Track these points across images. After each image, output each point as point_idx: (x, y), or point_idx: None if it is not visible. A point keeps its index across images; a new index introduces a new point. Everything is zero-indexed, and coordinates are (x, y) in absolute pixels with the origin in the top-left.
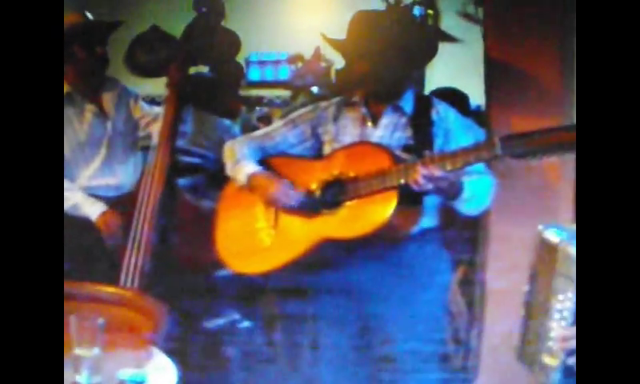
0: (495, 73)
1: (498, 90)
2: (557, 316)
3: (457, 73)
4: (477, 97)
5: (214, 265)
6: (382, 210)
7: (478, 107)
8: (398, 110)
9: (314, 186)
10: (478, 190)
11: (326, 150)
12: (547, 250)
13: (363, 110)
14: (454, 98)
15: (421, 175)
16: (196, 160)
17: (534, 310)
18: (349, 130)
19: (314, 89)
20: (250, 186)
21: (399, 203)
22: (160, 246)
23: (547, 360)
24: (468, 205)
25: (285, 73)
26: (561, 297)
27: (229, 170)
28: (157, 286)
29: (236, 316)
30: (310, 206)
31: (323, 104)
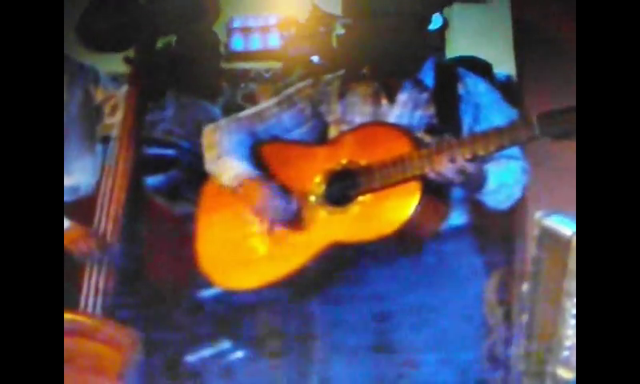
0: (526, 37)
1: (530, 58)
2: (573, 322)
3: (482, 39)
4: (506, 66)
5: (197, 282)
6: (403, 205)
7: (509, 78)
8: (417, 83)
9: (317, 179)
10: (505, 179)
11: (332, 133)
12: (555, 244)
13: (376, 84)
14: (473, 69)
15: (447, 163)
16: (168, 152)
17: (542, 315)
18: (359, 108)
19: (314, 58)
20: (236, 190)
21: (423, 196)
22: (127, 261)
23: (562, 373)
24: (495, 197)
25: (275, 40)
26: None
27: (209, 163)
28: (125, 311)
29: (226, 345)
30: (307, 215)
31: (326, 77)
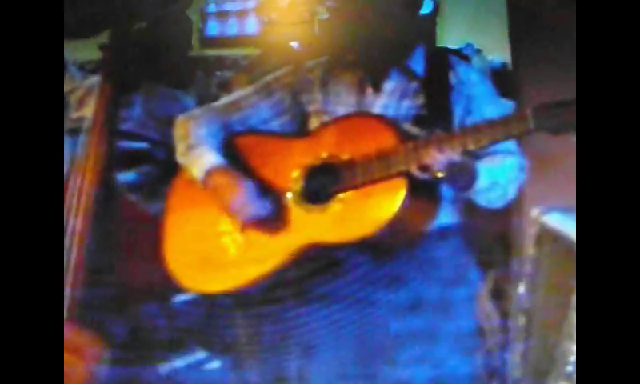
0: (522, 22)
1: (527, 45)
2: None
3: (475, 26)
4: (501, 53)
5: (168, 286)
6: (387, 203)
7: (504, 65)
8: (406, 71)
9: (295, 175)
10: (498, 177)
11: (312, 124)
12: (556, 244)
13: (361, 71)
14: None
15: (435, 158)
16: (140, 146)
17: (542, 319)
18: (342, 98)
19: (294, 44)
20: (207, 184)
21: (409, 194)
22: (95, 263)
23: None
24: (486, 195)
25: (253, 26)
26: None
27: (180, 156)
28: (92, 318)
29: (200, 354)
30: (284, 214)
31: (307, 64)
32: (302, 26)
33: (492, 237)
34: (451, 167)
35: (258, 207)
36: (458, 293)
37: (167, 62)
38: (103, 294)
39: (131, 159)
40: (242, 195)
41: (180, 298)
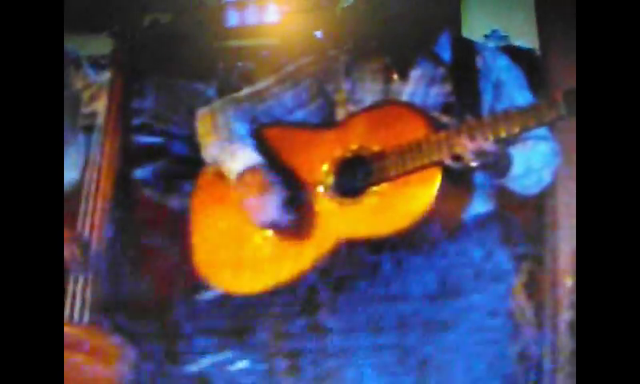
0: (549, 6)
1: (555, 30)
2: None
3: (502, 9)
4: (528, 39)
5: (194, 284)
6: (422, 194)
7: (532, 51)
8: (433, 57)
9: (325, 168)
10: (533, 162)
11: (339, 114)
12: None
13: (387, 58)
14: None
15: (467, 147)
16: (158, 140)
17: None
18: (368, 86)
19: (317, 33)
20: (240, 182)
21: (443, 183)
22: (115, 263)
23: None
24: (522, 182)
25: (273, 15)
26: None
27: (208, 151)
28: (115, 319)
29: (228, 354)
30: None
31: (331, 52)
32: (323, 13)
33: (526, 225)
34: (485, 155)
35: (279, 216)
36: (493, 284)
37: (187, 53)
38: (127, 295)
39: (148, 154)
40: (270, 200)
41: (208, 295)
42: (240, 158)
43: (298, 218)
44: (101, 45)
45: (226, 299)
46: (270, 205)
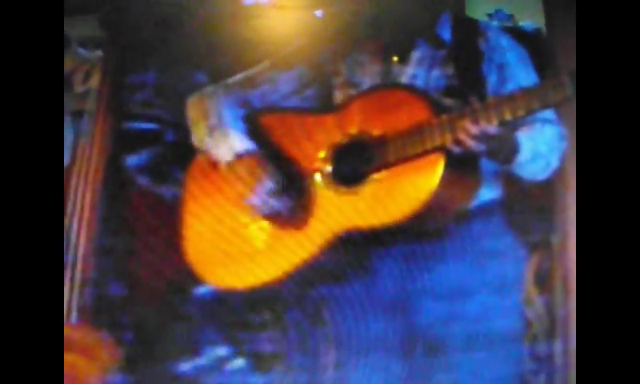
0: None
1: (561, 11)
2: None
3: None
4: (533, 18)
5: (186, 279)
6: (425, 181)
7: (538, 30)
8: (434, 38)
9: (322, 155)
10: (540, 146)
11: (337, 98)
12: None
13: (386, 39)
14: None
15: (471, 131)
16: (150, 126)
17: None
18: (367, 68)
19: (317, 13)
20: (233, 169)
21: (447, 170)
22: (105, 255)
23: None
24: (530, 167)
25: None
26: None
27: (198, 138)
28: (104, 315)
29: (222, 351)
30: (312, 198)
31: (328, 33)
32: None
33: (534, 212)
34: (490, 139)
35: (279, 203)
36: (502, 275)
37: (177, 35)
38: (116, 289)
39: (140, 140)
40: (264, 187)
41: (200, 291)
42: (230, 143)
43: (293, 206)
44: (91, 25)
45: (219, 294)
46: (263, 190)
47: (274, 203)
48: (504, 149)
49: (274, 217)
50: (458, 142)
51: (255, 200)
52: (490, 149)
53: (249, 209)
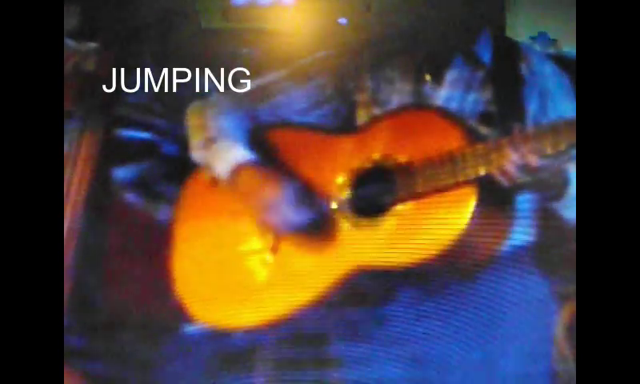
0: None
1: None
2: None
3: (548, 9)
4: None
5: (174, 315)
6: (454, 218)
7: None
8: (472, 58)
9: (340, 180)
10: None
11: (361, 117)
12: None
13: (419, 56)
14: None
15: (512, 162)
16: (143, 135)
17: None
18: (397, 86)
19: (341, 20)
20: (233, 185)
21: (479, 206)
22: (83, 281)
23: None
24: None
25: None
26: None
27: (196, 150)
28: (78, 353)
29: None
30: (331, 223)
31: (354, 45)
32: None
33: (569, 258)
34: (541, 171)
35: (299, 214)
36: (532, 326)
37: (181, 36)
38: (91, 321)
39: (131, 151)
40: (279, 197)
41: (189, 330)
42: (226, 156)
43: (303, 237)
44: (78, 17)
45: (213, 334)
46: (284, 202)
47: (280, 232)
48: (554, 183)
49: (278, 248)
50: (503, 173)
51: (257, 227)
52: (539, 181)
53: (251, 235)
